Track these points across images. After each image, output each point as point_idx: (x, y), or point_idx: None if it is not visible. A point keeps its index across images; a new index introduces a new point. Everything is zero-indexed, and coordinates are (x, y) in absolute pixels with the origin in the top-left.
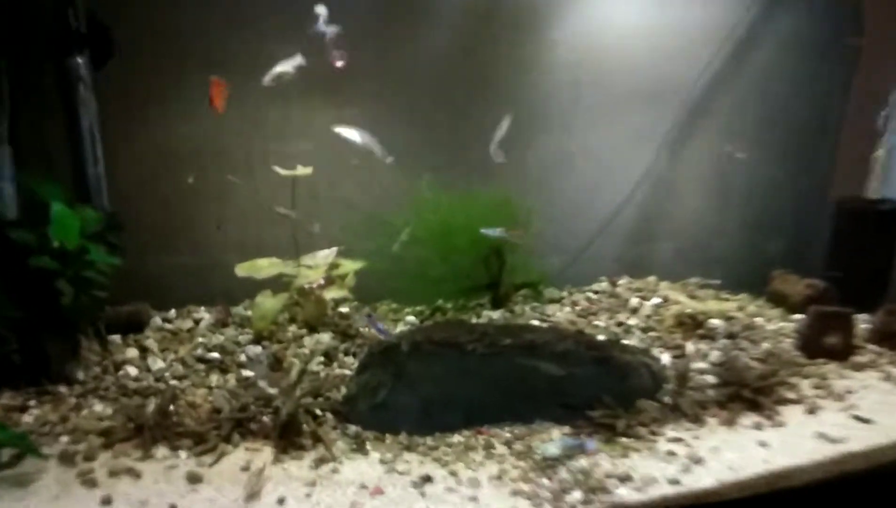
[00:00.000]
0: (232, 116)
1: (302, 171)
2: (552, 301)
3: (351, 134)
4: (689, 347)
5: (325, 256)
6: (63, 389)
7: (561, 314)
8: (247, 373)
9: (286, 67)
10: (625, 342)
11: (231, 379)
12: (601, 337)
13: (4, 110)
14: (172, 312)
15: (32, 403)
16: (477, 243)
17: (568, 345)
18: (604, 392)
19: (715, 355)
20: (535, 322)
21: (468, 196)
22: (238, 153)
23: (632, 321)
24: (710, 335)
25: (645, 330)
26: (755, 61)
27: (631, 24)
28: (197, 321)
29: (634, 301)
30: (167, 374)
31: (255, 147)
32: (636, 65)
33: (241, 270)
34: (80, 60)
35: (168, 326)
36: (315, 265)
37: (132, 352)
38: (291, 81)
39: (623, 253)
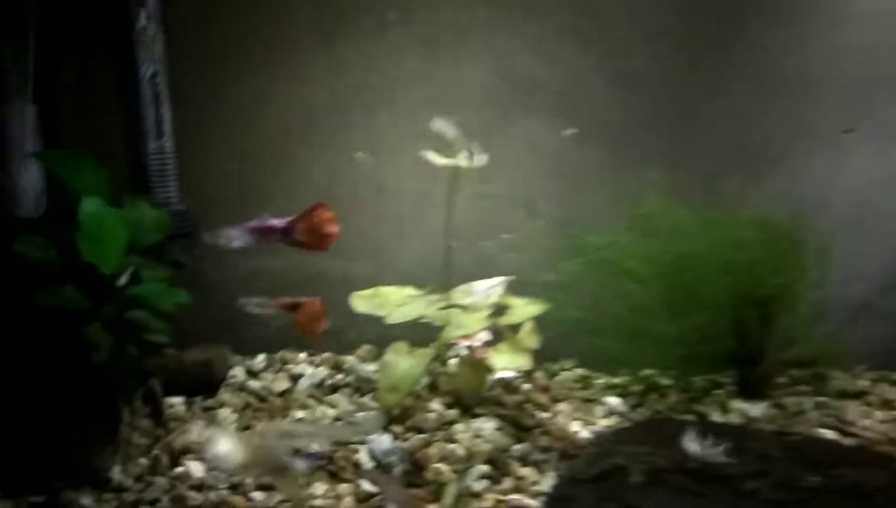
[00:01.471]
0: (356, 73)
1: (470, 160)
2: (844, 395)
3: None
4: None
5: (487, 290)
6: (87, 500)
7: (872, 423)
8: (369, 487)
9: None
10: None
11: (346, 494)
12: None
13: (25, 51)
14: (259, 359)
15: None
16: (730, 288)
17: None
18: None
19: None
20: (827, 433)
21: (717, 215)
22: (361, 126)
23: None
24: None
25: None
26: None
27: None
28: (295, 379)
29: None
30: (249, 479)
31: (382, 118)
32: None
33: (361, 302)
34: None
35: (252, 384)
36: (473, 305)
37: (199, 432)
38: None
39: None
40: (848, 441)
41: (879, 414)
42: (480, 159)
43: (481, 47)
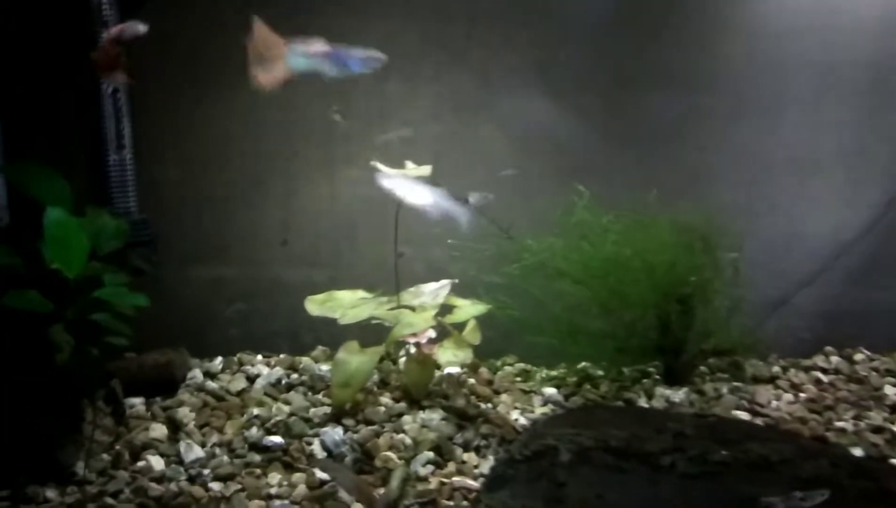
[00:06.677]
0: (304, 87)
1: (417, 169)
2: (759, 380)
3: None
4: None
5: (435, 292)
6: (51, 493)
7: (781, 405)
8: (322, 475)
9: None
10: None
11: (299, 483)
12: (856, 451)
13: None
14: (217, 362)
15: None
16: (653, 286)
17: (821, 466)
18: None
19: None
20: (742, 415)
21: (641, 219)
22: (312, 141)
23: None
24: None
25: None
26: None
27: None
28: (252, 379)
29: (891, 391)
30: (207, 471)
31: (334, 132)
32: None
33: (314, 306)
34: None
35: (211, 385)
36: (421, 306)
37: (158, 429)
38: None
39: (835, 307)
40: (758, 421)
41: (788, 396)
42: (425, 169)
43: (425, 66)
